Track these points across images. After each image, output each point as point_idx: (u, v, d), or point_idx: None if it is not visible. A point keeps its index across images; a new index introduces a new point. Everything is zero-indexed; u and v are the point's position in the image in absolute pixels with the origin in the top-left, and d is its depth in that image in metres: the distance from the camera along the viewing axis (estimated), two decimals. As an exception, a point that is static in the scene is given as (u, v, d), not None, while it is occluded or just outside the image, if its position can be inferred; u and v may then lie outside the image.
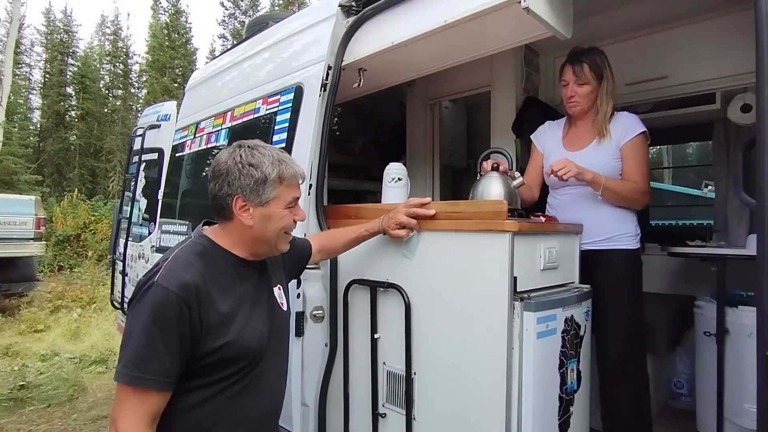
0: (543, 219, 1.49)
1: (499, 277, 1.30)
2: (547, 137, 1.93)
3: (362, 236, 1.56)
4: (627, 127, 1.74)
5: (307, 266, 1.52)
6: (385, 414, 1.61)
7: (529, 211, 1.71)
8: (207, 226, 1.19)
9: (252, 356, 1.08)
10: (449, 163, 2.89)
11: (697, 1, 2.02)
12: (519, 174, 1.56)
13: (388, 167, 1.82)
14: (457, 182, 3.01)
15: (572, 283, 1.63)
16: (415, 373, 1.52)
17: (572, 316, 1.46)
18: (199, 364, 1.02)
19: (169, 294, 0.96)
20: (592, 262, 1.70)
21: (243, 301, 1.09)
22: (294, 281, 1.59)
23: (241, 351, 1.05)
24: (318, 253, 1.53)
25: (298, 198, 1.14)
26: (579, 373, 1.51)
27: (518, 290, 1.32)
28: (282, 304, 1.24)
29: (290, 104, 1.89)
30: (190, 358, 1.00)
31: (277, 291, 1.24)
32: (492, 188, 1.51)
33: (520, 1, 1.32)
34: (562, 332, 1.42)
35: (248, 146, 1.10)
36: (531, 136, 1.98)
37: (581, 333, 1.52)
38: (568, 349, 1.44)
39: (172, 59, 24.12)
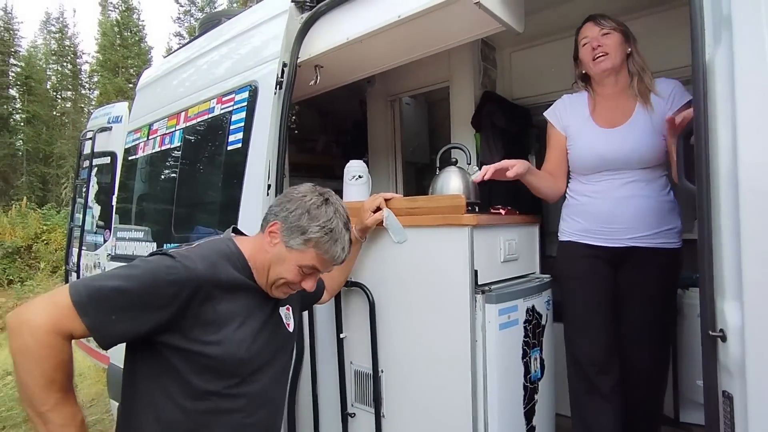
0: (503, 211, 1.51)
1: (460, 270, 1.31)
2: (569, 115, 1.60)
3: None
4: (673, 93, 1.44)
5: None
6: (354, 414, 1.60)
7: (491, 203, 1.61)
8: (235, 234, 1.19)
9: (241, 367, 1.05)
10: (412, 160, 2.90)
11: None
12: (477, 168, 1.58)
13: (348, 165, 1.80)
14: (421, 179, 3.02)
15: (533, 273, 1.66)
16: (382, 371, 1.52)
17: (533, 306, 1.50)
18: (186, 355, 0.98)
19: (174, 269, 0.96)
20: (629, 259, 1.48)
21: (241, 310, 1.07)
22: None
23: (227, 357, 1.01)
24: (326, 294, 1.48)
25: (317, 269, 1.10)
26: (542, 361, 1.54)
27: (479, 283, 1.33)
28: (288, 324, 1.21)
29: (245, 103, 1.84)
30: (163, 341, 0.97)
31: (285, 311, 1.22)
32: (451, 183, 1.52)
33: (471, -4, 1.33)
34: (524, 322, 1.45)
35: (323, 197, 1.10)
36: (546, 115, 1.66)
37: (543, 322, 1.55)
38: (531, 339, 1.47)
39: (125, 58, 23.15)
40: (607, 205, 1.48)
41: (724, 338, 0.85)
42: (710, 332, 0.87)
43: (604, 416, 1.51)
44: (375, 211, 1.45)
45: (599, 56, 1.46)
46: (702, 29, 0.91)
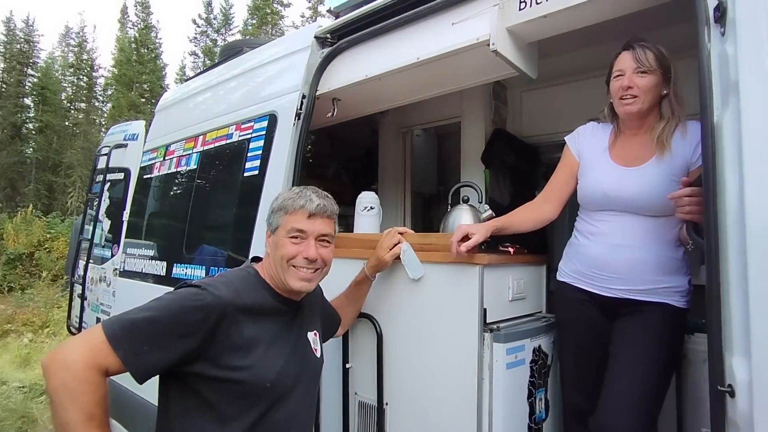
0: (512, 250, 1.54)
1: (470, 308, 1.33)
2: (588, 143, 1.49)
3: (354, 292, 1.52)
4: (698, 141, 1.22)
5: None
6: (356, 445, 1.59)
7: (499, 240, 1.59)
8: (255, 262, 1.25)
9: (271, 392, 1.07)
10: (420, 190, 2.94)
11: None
12: (488, 207, 1.61)
13: (360, 196, 1.84)
14: (427, 209, 3.06)
15: (539, 312, 1.68)
16: (387, 404, 1.52)
17: (540, 346, 1.51)
18: (217, 385, 1.00)
19: (200, 296, 1.00)
20: (625, 308, 1.36)
21: (267, 334, 1.10)
22: None
23: (257, 381, 1.04)
24: (340, 328, 1.52)
25: (301, 230, 1.14)
26: (547, 402, 1.54)
27: (488, 321, 1.35)
28: (315, 350, 1.24)
29: (264, 132, 1.90)
30: (191, 371, 0.99)
31: (312, 336, 1.25)
32: (462, 220, 1.55)
33: (489, 44, 1.40)
34: (531, 362, 1.46)
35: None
36: (565, 138, 1.56)
37: (548, 362, 1.56)
38: (537, 379, 1.47)
39: (139, 74, 23.67)
40: (601, 250, 1.38)
41: (732, 394, 0.86)
42: (719, 387, 0.88)
43: None
44: (392, 248, 1.47)
45: (627, 98, 1.33)
46: (710, 92, 0.95)
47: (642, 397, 1.30)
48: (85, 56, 26.01)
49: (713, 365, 0.90)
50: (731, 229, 0.90)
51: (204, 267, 2.03)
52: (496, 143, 2.30)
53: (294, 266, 1.14)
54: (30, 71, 23.68)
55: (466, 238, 1.33)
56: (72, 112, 25.07)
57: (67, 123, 24.08)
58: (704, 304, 1.32)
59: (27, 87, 23.34)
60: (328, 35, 1.88)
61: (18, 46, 23.75)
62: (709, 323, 0.91)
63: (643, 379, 1.30)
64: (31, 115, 23.07)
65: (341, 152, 3.24)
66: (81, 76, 25.53)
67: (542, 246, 1.94)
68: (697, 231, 1.06)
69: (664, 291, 1.33)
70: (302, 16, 24.48)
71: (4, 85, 23.02)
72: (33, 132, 22.77)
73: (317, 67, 1.85)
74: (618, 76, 1.35)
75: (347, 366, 1.61)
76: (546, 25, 1.41)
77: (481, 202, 1.64)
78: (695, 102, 1.28)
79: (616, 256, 1.35)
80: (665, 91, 1.33)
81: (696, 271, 2.12)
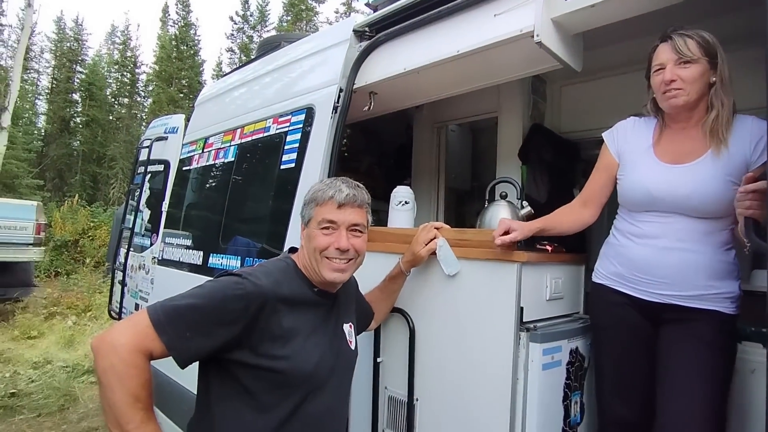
0: (549, 248, 1.49)
1: (506, 306, 1.30)
2: (629, 140, 1.39)
3: (389, 287, 1.51)
4: (762, 138, 1.17)
5: None
6: (385, 439, 1.59)
7: (535, 238, 1.53)
8: (292, 252, 1.27)
9: (308, 382, 1.08)
10: (454, 186, 2.90)
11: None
12: (527, 203, 1.57)
13: (395, 190, 1.83)
14: (461, 205, 3.02)
15: (577, 313, 1.62)
16: (417, 399, 1.50)
17: (577, 348, 1.46)
18: (256, 373, 1.02)
19: (241, 284, 1.01)
20: (669, 314, 1.28)
21: (305, 325, 1.11)
22: None
23: (296, 371, 1.05)
24: (373, 322, 1.52)
25: (331, 221, 1.15)
26: (582, 405, 1.49)
27: (524, 320, 1.31)
28: (351, 342, 1.26)
29: (301, 125, 1.91)
30: (232, 358, 1.01)
31: (348, 328, 1.26)
32: (500, 216, 1.52)
33: (533, 35, 1.35)
34: (567, 364, 1.41)
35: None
36: (603, 135, 1.47)
37: (585, 365, 1.51)
38: (572, 381, 1.43)
39: (179, 70, 24.46)
40: (646, 252, 1.29)
41: (793, 405, 0.80)
42: (779, 397, 0.82)
43: None
44: (428, 243, 1.45)
45: (672, 91, 1.23)
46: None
47: (704, 416, 1.21)
48: (129, 53, 27.10)
49: (773, 375, 0.85)
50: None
51: (239, 258, 2.07)
52: (534, 139, 2.24)
53: (327, 257, 1.14)
54: (78, 68, 24.86)
55: (506, 233, 1.30)
56: (116, 106, 26.18)
57: (111, 117, 25.19)
58: (748, 310, 1.24)
59: (75, 83, 24.51)
60: (367, 28, 1.88)
61: (68, 44, 24.97)
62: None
63: (704, 396, 1.21)
64: (79, 109, 24.25)
65: (375, 146, 3.23)
66: (125, 73, 26.62)
67: (581, 245, 1.88)
68: (757, 232, 0.99)
69: (714, 297, 1.24)
70: (336, 12, 24.69)
71: (55, 81, 24.29)
72: (80, 126, 23.93)
73: (355, 60, 1.85)
74: (659, 70, 1.26)
75: (378, 360, 1.61)
76: (594, 15, 1.36)
77: (519, 199, 1.60)
78: (755, 95, 1.24)
79: (664, 260, 1.27)
80: (713, 79, 1.22)
81: (746, 275, 2.02)
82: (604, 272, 1.41)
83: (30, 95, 23.63)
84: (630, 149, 1.38)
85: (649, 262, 1.29)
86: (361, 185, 1.23)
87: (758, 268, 1.63)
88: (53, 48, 24.78)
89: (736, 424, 1.79)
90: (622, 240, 1.37)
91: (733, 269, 1.27)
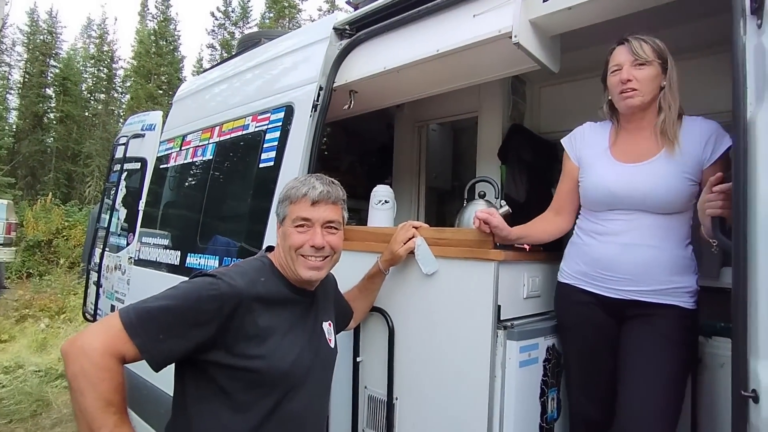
0: (527, 247, 1.51)
1: (484, 305, 1.31)
2: (586, 144, 1.45)
3: (367, 286, 1.51)
4: (712, 137, 1.26)
5: None
6: (364, 439, 1.59)
7: None
8: (269, 251, 1.25)
9: (285, 381, 1.07)
10: (435, 185, 2.92)
11: (680, 41, 2.10)
12: (505, 203, 1.59)
13: (375, 189, 1.83)
14: (442, 204, 3.04)
15: (553, 311, 1.64)
16: (396, 399, 1.51)
17: (554, 345, 1.48)
18: (232, 373, 1.01)
19: (215, 285, 1.00)
20: (632, 311, 1.32)
21: (282, 323, 1.10)
22: None
23: (272, 370, 1.04)
24: (352, 321, 1.52)
25: (305, 218, 1.14)
26: (559, 401, 1.52)
27: (502, 318, 1.33)
28: (330, 340, 1.25)
29: (280, 123, 1.89)
30: (208, 359, 1.00)
31: (327, 326, 1.25)
32: (478, 215, 1.53)
33: (511, 36, 1.37)
34: (544, 361, 1.43)
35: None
36: (562, 141, 1.53)
37: (562, 361, 1.53)
38: (549, 378, 1.45)
39: (158, 66, 23.95)
40: (610, 250, 1.33)
41: (756, 399, 0.83)
42: (742, 392, 0.85)
43: None
44: (406, 242, 1.45)
45: (627, 91, 1.29)
46: (744, 87, 0.92)
47: (660, 410, 1.26)
48: (105, 48, 26.40)
49: (737, 369, 0.87)
50: (761, 229, 0.86)
51: (217, 257, 2.04)
52: (514, 139, 2.27)
53: (302, 255, 1.13)
54: (52, 62, 24.11)
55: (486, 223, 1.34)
56: (92, 102, 25.48)
57: (86, 113, 24.49)
58: (718, 307, 1.28)
59: (49, 77, 23.78)
60: (347, 27, 1.87)
61: (41, 38, 24.19)
62: (735, 326, 0.88)
63: (659, 391, 1.26)
64: (53, 105, 23.51)
65: (356, 145, 3.23)
66: (101, 68, 25.92)
67: (557, 244, 1.91)
68: (723, 230, 1.03)
69: (674, 291, 1.29)
70: (319, 10, 24.53)
71: (27, 75, 23.51)
72: (54, 122, 23.21)
73: (335, 58, 1.84)
74: (616, 70, 1.32)
75: (358, 360, 1.61)
76: (571, 17, 1.38)
77: (498, 198, 1.62)
78: (723, 98, 1.29)
79: (626, 257, 1.31)
80: (664, 83, 1.30)
81: (715, 273, 2.08)
82: (569, 271, 1.44)
83: (1, 89, 22.83)
84: (588, 153, 1.44)
85: (612, 260, 1.33)
86: (336, 182, 1.22)
87: (727, 266, 1.68)
88: (26, 41, 23.95)
89: (707, 417, 1.85)
90: (585, 239, 1.41)
91: (692, 264, 1.32)
